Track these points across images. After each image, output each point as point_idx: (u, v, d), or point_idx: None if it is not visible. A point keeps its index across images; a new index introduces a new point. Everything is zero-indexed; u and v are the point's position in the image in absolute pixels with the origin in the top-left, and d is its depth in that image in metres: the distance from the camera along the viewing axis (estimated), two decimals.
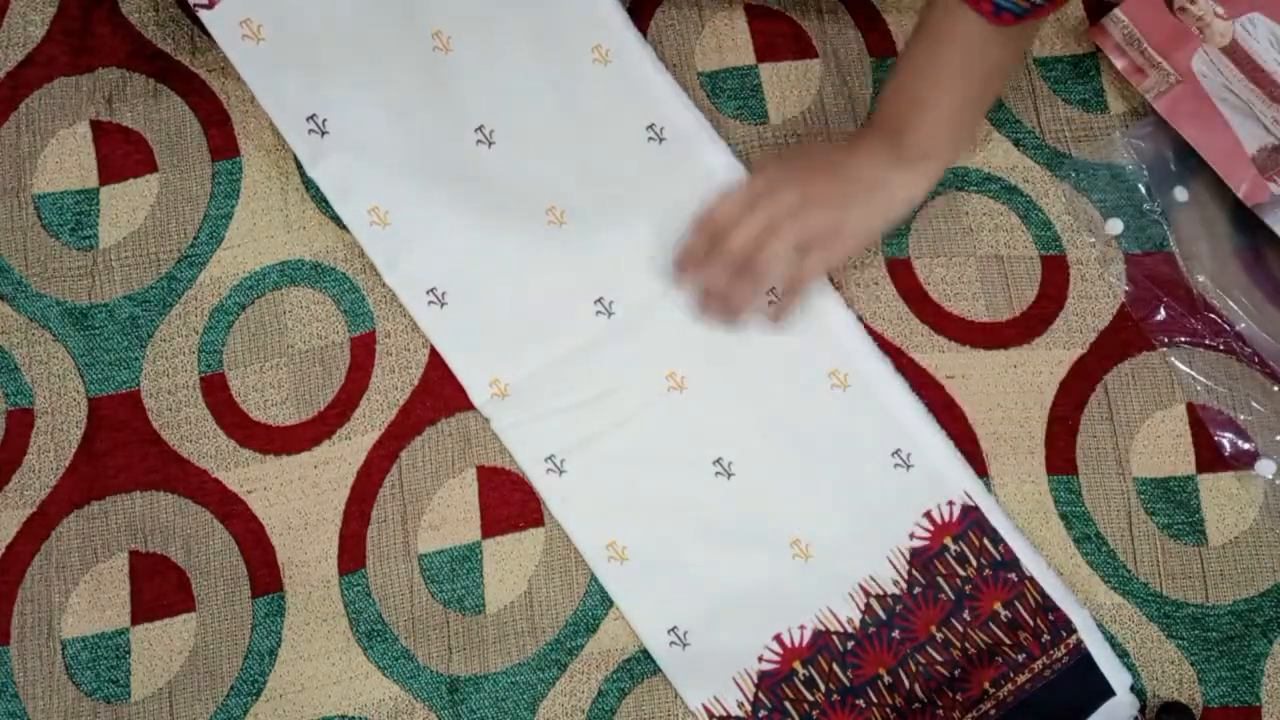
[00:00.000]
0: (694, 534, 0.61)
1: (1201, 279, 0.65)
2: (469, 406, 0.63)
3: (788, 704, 0.59)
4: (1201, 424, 0.63)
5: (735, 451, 0.62)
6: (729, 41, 0.69)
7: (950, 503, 0.61)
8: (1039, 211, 0.66)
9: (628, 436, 0.62)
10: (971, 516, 0.61)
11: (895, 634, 0.60)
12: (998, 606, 0.60)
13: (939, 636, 0.60)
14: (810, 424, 0.62)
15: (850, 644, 0.60)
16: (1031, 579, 0.60)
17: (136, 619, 0.61)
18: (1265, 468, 0.62)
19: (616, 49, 0.65)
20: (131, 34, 0.69)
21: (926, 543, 0.61)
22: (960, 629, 0.60)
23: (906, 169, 0.57)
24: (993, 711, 0.59)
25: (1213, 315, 0.64)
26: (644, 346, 0.63)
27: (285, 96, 0.63)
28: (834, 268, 0.64)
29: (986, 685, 0.59)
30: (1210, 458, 0.62)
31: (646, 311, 0.63)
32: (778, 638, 0.60)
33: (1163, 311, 0.64)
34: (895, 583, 0.60)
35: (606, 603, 0.61)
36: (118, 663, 0.61)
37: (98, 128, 0.68)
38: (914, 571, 0.60)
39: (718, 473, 0.62)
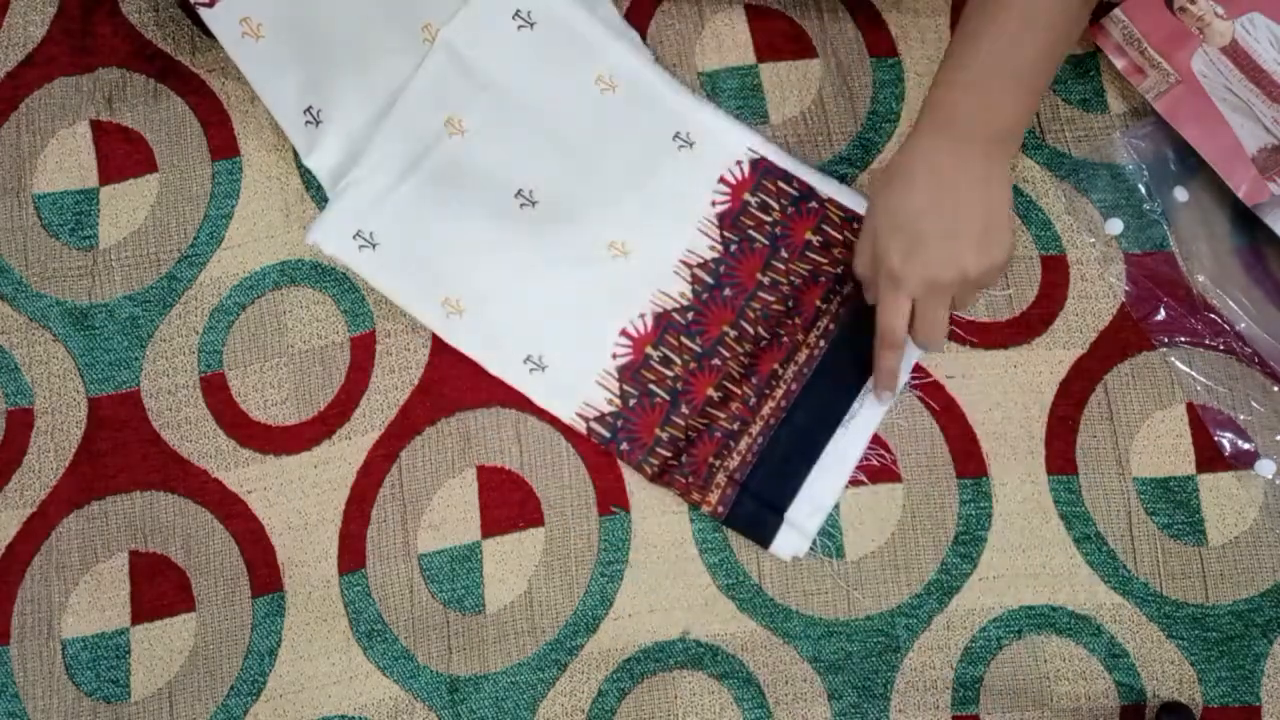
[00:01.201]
0: (517, 265, 0.64)
1: (1201, 279, 0.65)
2: (469, 406, 0.63)
3: (652, 386, 0.63)
4: (1201, 424, 0.63)
5: (532, 179, 0.65)
6: (729, 41, 0.69)
7: (739, 162, 0.65)
8: (1039, 211, 0.66)
9: (425, 190, 0.64)
10: (761, 166, 0.65)
11: (727, 292, 0.64)
12: (809, 235, 0.64)
13: (765, 280, 0.64)
14: (592, 132, 0.66)
15: (690, 314, 0.64)
16: (830, 199, 0.65)
17: (136, 619, 0.61)
18: (1265, 468, 0.62)
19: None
20: (131, 34, 0.69)
21: (729, 204, 0.65)
22: (782, 267, 0.64)
23: (996, 165, 0.55)
24: (830, 325, 0.63)
25: (1213, 315, 0.64)
26: (417, 96, 0.65)
27: (284, 91, 0.65)
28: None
29: (819, 303, 0.63)
30: (1210, 458, 0.62)
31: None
32: (624, 332, 0.64)
33: (1163, 311, 0.64)
34: (711, 248, 0.64)
35: (606, 602, 0.61)
36: (118, 663, 0.61)
37: (98, 128, 0.68)
38: (725, 233, 0.65)
39: (522, 204, 0.65)
